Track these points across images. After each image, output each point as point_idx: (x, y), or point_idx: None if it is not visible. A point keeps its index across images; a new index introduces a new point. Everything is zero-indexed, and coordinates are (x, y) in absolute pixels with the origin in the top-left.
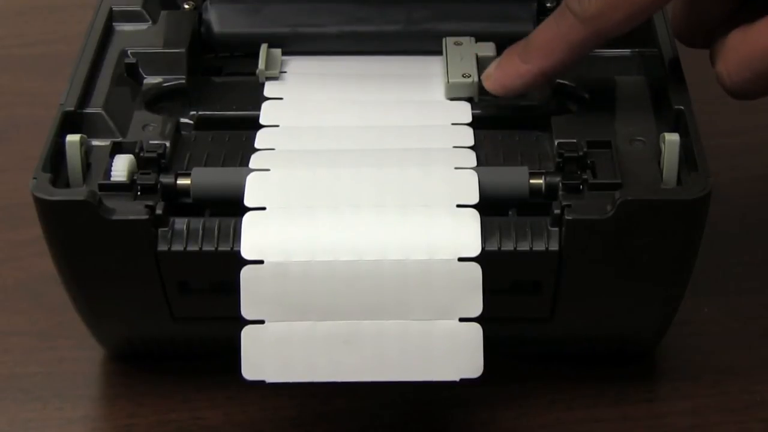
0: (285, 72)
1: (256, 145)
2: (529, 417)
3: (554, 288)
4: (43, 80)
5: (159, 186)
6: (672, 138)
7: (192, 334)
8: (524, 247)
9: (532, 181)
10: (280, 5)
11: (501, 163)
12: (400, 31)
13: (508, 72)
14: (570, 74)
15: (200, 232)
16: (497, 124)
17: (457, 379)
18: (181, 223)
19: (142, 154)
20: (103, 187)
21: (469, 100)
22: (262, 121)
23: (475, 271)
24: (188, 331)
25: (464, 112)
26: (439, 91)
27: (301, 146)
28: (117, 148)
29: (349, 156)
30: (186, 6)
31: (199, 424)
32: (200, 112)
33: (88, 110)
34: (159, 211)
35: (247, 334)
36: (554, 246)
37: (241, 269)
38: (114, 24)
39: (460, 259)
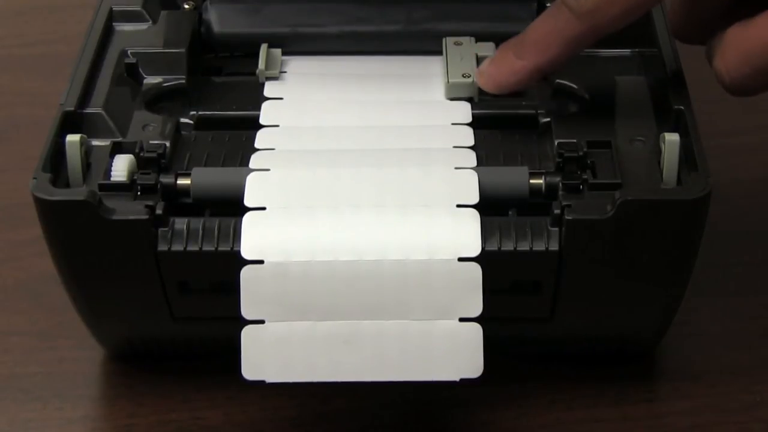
0: (285, 72)
1: (256, 145)
2: (529, 417)
3: (554, 288)
4: (43, 80)
5: (159, 186)
6: (672, 138)
7: (192, 334)
8: (524, 247)
9: (532, 181)
10: (280, 5)
11: (501, 163)
12: (400, 31)
13: (503, 69)
14: (570, 74)
15: (200, 232)
16: (497, 124)
17: (457, 379)
18: (181, 223)
19: (142, 154)
20: (103, 187)
21: (469, 100)
22: (262, 121)
23: (475, 271)
24: (188, 331)
25: (464, 112)
26: (439, 91)
27: (301, 146)
28: (117, 148)
29: (349, 156)
30: (186, 6)
31: (199, 424)
32: (200, 112)
33: (88, 110)
34: (159, 211)
35: (247, 334)
36: (554, 246)
37: (241, 269)
38: (114, 24)
39: (460, 259)
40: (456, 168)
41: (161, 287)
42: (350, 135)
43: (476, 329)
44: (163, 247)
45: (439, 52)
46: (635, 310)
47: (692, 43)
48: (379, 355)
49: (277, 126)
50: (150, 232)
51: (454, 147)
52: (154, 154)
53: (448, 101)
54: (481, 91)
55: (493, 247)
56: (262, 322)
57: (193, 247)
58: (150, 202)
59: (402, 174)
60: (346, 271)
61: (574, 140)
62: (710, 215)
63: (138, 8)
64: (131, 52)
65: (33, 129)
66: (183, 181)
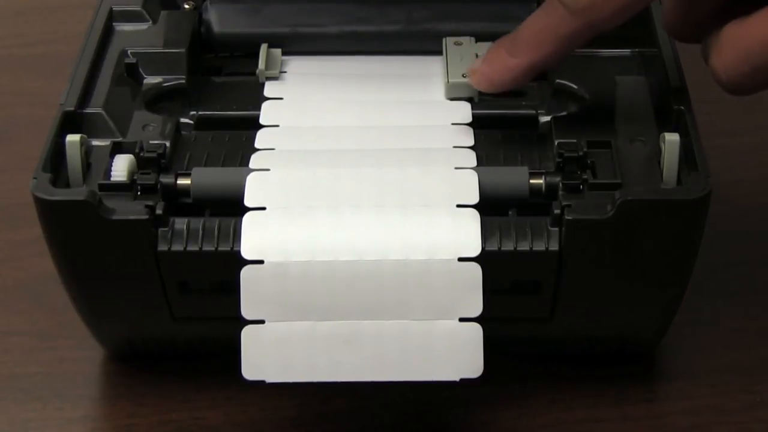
0: (285, 72)
1: (256, 145)
2: (529, 417)
3: (554, 288)
4: (43, 80)
5: (159, 186)
6: (672, 138)
7: (192, 334)
8: (524, 247)
9: (532, 181)
10: (280, 5)
11: (501, 163)
12: (400, 31)
13: (496, 67)
14: (570, 74)
15: (200, 232)
16: (497, 124)
17: (457, 379)
18: (181, 223)
19: (142, 154)
20: (103, 187)
21: (469, 100)
22: (262, 121)
23: (475, 271)
24: (188, 331)
25: (464, 112)
26: (439, 91)
27: (301, 146)
28: (117, 148)
29: (349, 156)
30: (186, 6)
31: (199, 424)
32: (200, 112)
33: (88, 110)
34: (159, 211)
35: (247, 334)
36: (554, 246)
37: (241, 269)
38: (114, 24)
39: (460, 259)
40: (456, 168)
41: (161, 287)
42: (350, 135)
43: (476, 329)
44: (163, 247)
45: (439, 52)
46: (635, 310)
47: (687, 41)
48: (379, 355)
49: (277, 126)
50: (150, 232)
51: (454, 147)
52: (154, 154)
53: (448, 101)
54: (481, 91)
55: (493, 247)
56: (262, 322)
57: (193, 247)
58: (150, 202)
59: (402, 174)
60: (346, 271)
61: (574, 140)
62: (710, 215)
63: (138, 8)
64: (131, 52)
65: (33, 129)
66: (183, 181)
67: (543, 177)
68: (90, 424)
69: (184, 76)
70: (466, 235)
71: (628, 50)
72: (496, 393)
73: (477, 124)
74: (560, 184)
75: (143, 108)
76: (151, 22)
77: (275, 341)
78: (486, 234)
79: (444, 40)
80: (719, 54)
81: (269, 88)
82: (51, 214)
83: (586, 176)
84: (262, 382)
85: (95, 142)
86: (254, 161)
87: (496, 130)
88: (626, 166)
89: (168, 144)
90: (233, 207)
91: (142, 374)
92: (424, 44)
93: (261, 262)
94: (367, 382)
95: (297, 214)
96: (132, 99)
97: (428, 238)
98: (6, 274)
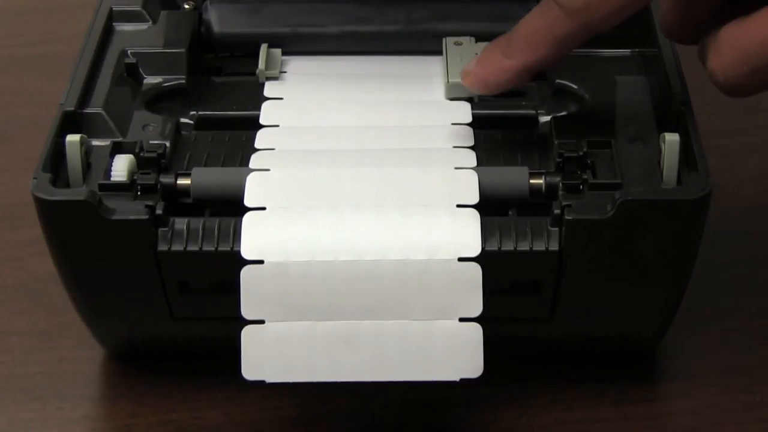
0: (285, 72)
1: (256, 145)
2: (529, 417)
3: (554, 288)
4: (43, 80)
5: (159, 186)
6: (672, 138)
7: (192, 334)
8: (524, 247)
9: (532, 181)
10: (280, 5)
11: (501, 163)
12: (400, 31)
13: (490, 68)
14: (570, 74)
15: (200, 232)
16: (497, 124)
17: (457, 379)
18: (181, 223)
19: (142, 154)
20: (103, 187)
21: (469, 100)
22: (262, 121)
23: (475, 271)
24: (188, 331)
25: (464, 112)
26: (439, 91)
27: (301, 146)
28: (117, 148)
29: (349, 156)
30: (186, 6)
31: (199, 424)
32: (200, 112)
33: (88, 110)
34: (159, 211)
35: (247, 334)
36: (554, 246)
37: (241, 269)
38: (114, 24)
39: (460, 259)
40: (456, 168)
41: (161, 287)
42: (350, 135)
43: (476, 329)
44: (163, 247)
45: (439, 52)
46: (635, 310)
47: (685, 42)
48: (379, 355)
49: (277, 126)
50: (150, 232)
51: (454, 147)
52: (154, 154)
53: (448, 101)
54: None
55: (493, 247)
56: (262, 322)
57: (193, 247)
58: (150, 202)
59: (402, 174)
60: (346, 271)
61: (574, 140)
62: (710, 215)
63: (138, 8)
64: (131, 52)
65: (33, 129)
66: (183, 181)
67: (543, 177)
68: (90, 424)
69: (184, 76)
70: (466, 235)
71: (628, 50)
72: (496, 393)
73: (477, 124)
74: (560, 184)
75: (143, 108)
76: (151, 22)
77: (275, 341)
78: (486, 234)
79: (444, 40)
80: (717, 55)
81: (269, 88)
82: (51, 214)
83: (586, 176)
84: (262, 382)
85: (95, 142)
86: (254, 161)
87: (496, 130)
88: (626, 166)
89: (168, 144)
90: (233, 207)
91: (142, 374)
92: (424, 44)
93: (261, 262)
94: (367, 382)
95: (297, 214)
96: (132, 99)
97: (428, 238)
98: (6, 274)
